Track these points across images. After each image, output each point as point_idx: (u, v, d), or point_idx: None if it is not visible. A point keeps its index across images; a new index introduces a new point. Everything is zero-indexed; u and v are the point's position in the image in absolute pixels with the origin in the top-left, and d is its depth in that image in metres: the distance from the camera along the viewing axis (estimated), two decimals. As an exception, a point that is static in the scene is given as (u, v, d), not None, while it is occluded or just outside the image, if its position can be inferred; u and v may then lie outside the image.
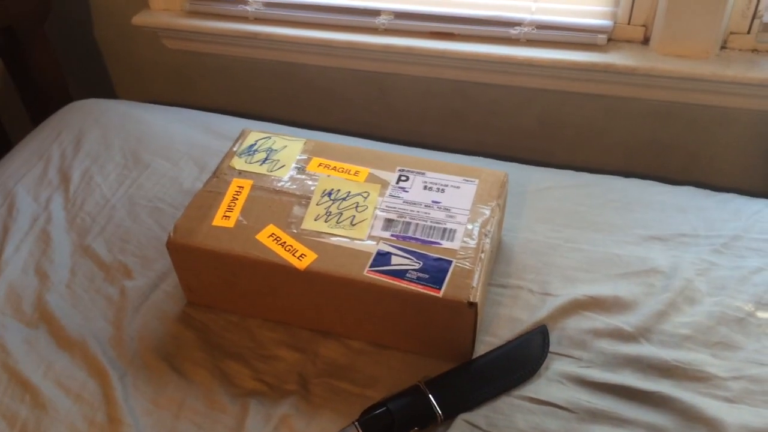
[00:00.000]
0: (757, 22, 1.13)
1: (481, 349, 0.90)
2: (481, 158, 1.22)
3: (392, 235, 0.88)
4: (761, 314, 0.91)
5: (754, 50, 1.16)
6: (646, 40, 1.21)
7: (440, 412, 0.82)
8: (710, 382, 0.85)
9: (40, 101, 1.44)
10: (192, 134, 1.27)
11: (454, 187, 0.94)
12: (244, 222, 0.91)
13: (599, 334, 0.91)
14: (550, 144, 1.37)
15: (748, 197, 1.10)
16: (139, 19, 1.41)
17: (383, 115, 1.45)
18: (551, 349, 0.90)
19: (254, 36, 1.35)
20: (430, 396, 0.83)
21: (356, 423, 0.81)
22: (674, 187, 1.14)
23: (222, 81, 1.52)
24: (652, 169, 1.31)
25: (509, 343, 0.90)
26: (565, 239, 1.04)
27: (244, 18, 1.38)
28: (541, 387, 0.86)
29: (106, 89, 1.66)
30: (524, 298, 0.96)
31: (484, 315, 0.93)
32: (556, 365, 0.88)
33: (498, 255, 1.01)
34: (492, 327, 0.93)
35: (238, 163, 1.00)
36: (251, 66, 1.47)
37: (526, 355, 0.89)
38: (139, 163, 1.20)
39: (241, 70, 1.48)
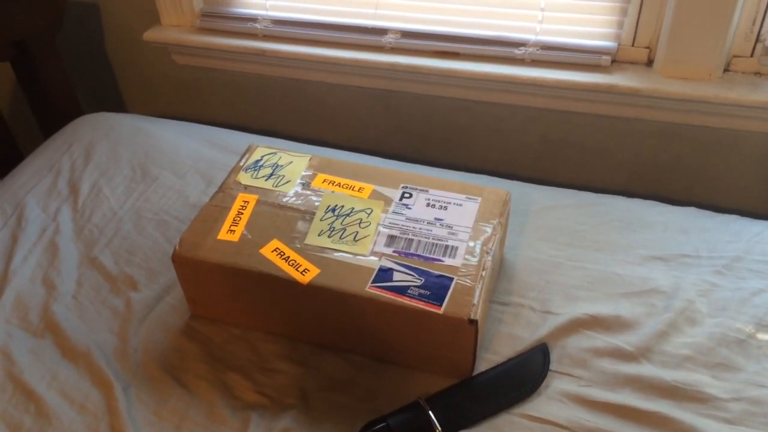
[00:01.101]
0: (760, 45, 1.14)
1: (481, 366, 0.91)
2: (484, 176, 1.23)
3: (395, 252, 0.89)
4: (762, 336, 0.91)
5: (757, 73, 1.17)
6: (650, 62, 1.22)
7: (440, 428, 0.83)
8: (710, 404, 0.85)
9: (51, 114, 1.46)
10: (199, 148, 1.29)
11: (457, 204, 0.95)
12: (249, 236, 0.92)
13: (600, 353, 0.91)
14: (554, 163, 1.38)
15: (750, 219, 1.11)
16: (150, 34, 1.44)
17: (389, 132, 1.46)
18: (552, 367, 0.90)
19: (263, 53, 1.37)
20: (430, 412, 0.84)
21: (356, 438, 0.82)
22: (676, 207, 1.14)
23: (230, 97, 1.54)
24: (655, 190, 1.32)
25: (510, 360, 0.91)
26: (567, 258, 1.04)
27: (253, 35, 1.40)
28: (541, 405, 0.86)
29: (116, 103, 1.68)
30: (525, 316, 0.97)
31: (485, 332, 0.94)
32: (556, 383, 0.88)
33: (500, 273, 1.02)
34: (493, 344, 0.93)
35: (244, 178, 1.01)
36: (259, 82, 1.49)
37: (526, 373, 0.89)
38: (146, 176, 1.22)
39: (250, 86, 1.50)
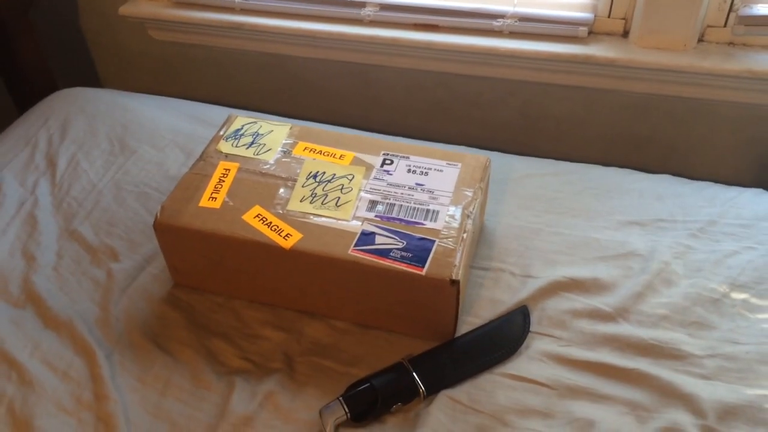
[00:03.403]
0: (733, 15, 1.16)
1: (463, 329, 0.92)
2: (464, 147, 1.24)
3: (376, 216, 0.90)
4: (735, 295, 0.94)
5: (731, 43, 1.19)
6: (625, 33, 1.23)
7: (423, 388, 0.84)
8: (686, 360, 0.87)
9: (26, 90, 1.44)
10: (178, 122, 1.28)
11: (438, 170, 0.96)
12: (231, 203, 0.92)
13: (579, 314, 0.93)
14: (532, 135, 1.39)
15: (724, 185, 1.13)
16: (126, 9, 1.42)
17: (368, 107, 1.46)
18: (532, 328, 0.92)
19: (240, 27, 1.37)
20: (414, 373, 0.85)
21: (341, 399, 0.82)
22: (652, 175, 1.16)
23: (208, 72, 1.53)
24: (630, 161, 1.34)
25: (491, 322, 0.92)
26: (545, 224, 1.06)
27: (230, 9, 1.39)
28: (522, 365, 0.88)
29: (91, 80, 1.66)
30: (506, 280, 0.98)
31: (466, 296, 0.95)
32: (536, 344, 0.90)
33: (480, 239, 1.03)
34: (474, 308, 0.94)
35: (224, 146, 1.01)
36: (237, 57, 1.48)
37: (507, 334, 0.91)
38: (125, 149, 1.21)
39: (227, 61, 1.49)
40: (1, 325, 0.93)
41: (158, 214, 0.91)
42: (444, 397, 0.84)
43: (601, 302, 0.94)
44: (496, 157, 1.19)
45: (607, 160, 1.35)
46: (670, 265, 0.98)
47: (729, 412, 0.80)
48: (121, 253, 1.03)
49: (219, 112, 1.30)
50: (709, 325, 0.91)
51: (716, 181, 1.15)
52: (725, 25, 1.18)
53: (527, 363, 0.88)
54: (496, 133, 1.41)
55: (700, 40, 1.20)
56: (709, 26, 1.19)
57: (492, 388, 0.85)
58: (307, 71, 1.45)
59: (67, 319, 0.93)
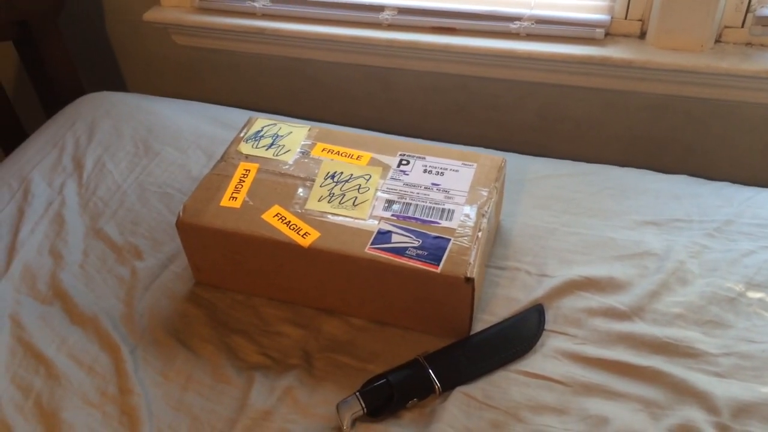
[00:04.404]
0: (750, 16, 1.16)
1: (478, 327, 0.93)
2: (480, 148, 1.25)
3: (393, 215, 0.92)
4: (751, 294, 0.94)
5: (748, 44, 1.19)
6: (642, 35, 1.24)
7: (438, 384, 0.85)
8: (701, 358, 0.87)
9: (54, 93, 1.48)
10: (200, 125, 1.31)
11: (453, 170, 0.98)
12: (251, 203, 0.94)
13: (594, 312, 0.93)
14: (549, 137, 1.40)
15: (740, 185, 1.13)
16: (150, 15, 1.46)
17: (386, 109, 1.48)
18: (547, 326, 0.93)
19: (261, 31, 1.39)
20: (429, 369, 0.86)
21: (357, 394, 0.84)
22: (668, 175, 1.17)
23: (229, 76, 1.56)
24: (648, 162, 1.33)
25: (506, 320, 0.93)
26: (561, 224, 1.06)
27: (251, 14, 1.42)
28: (536, 362, 0.89)
29: (116, 84, 1.70)
30: (521, 279, 0.99)
31: (482, 295, 0.96)
32: (551, 342, 0.91)
33: (496, 238, 1.05)
34: (489, 306, 0.96)
35: (245, 147, 1.03)
36: (258, 61, 1.51)
37: (522, 332, 0.92)
38: (149, 151, 1.24)
39: (249, 65, 1.52)
40: (30, 320, 0.96)
41: (181, 214, 0.94)
42: (459, 393, 0.85)
43: (617, 301, 0.94)
44: (513, 158, 1.20)
45: (625, 161, 1.35)
46: (686, 265, 0.98)
47: (743, 410, 0.81)
48: (144, 251, 1.06)
49: (240, 115, 1.33)
50: (725, 323, 0.91)
51: (734, 182, 1.15)
52: (743, 26, 1.18)
53: (542, 360, 0.89)
54: (513, 135, 1.42)
55: (718, 40, 1.20)
56: (726, 27, 1.19)
57: (506, 384, 0.86)
58: (326, 74, 1.47)
59: (93, 316, 0.96)
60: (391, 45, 1.33)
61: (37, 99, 1.53)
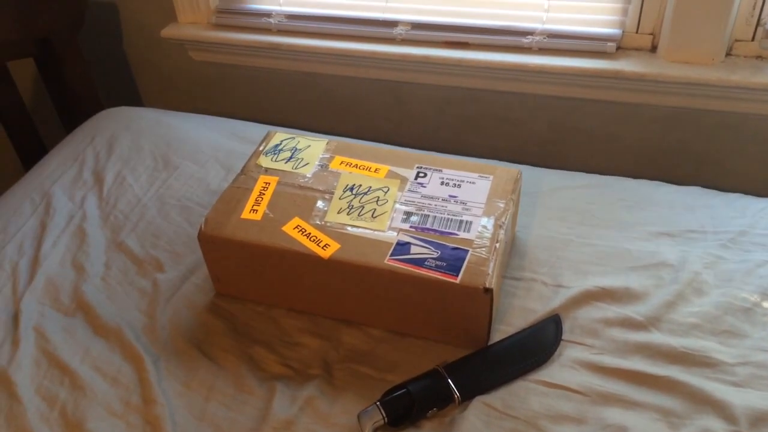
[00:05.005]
0: (760, 29, 1.18)
1: (496, 337, 0.94)
2: (495, 161, 1.27)
3: (411, 227, 0.93)
4: (767, 304, 0.95)
5: (759, 57, 1.21)
6: (653, 48, 1.26)
7: (458, 393, 0.86)
8: (717, 368, 0.88)
9: (73, 109, 1.51)
10: (218, 139, 1.33)
11: (470, 182, 0.99)
12: (271, 215, 0.96)
13: (610, 322, 0.94)
14: (562, 149, 1.41)
15: (753, 197, 1.14)
16: (168, 31, 1.48)
17: (400, 123, 1.50)
18: (564, 337, 0.93)
19: (277, 47, 1.42)
20: (449, 379, 0.87)
21: (378, 404, 0.85)
22: (682, 187, 1.18)
23: (245, 91, 1.59)
24: (660, 173, 1.34)
25: (524, 330, 0.94)
26: (576, 235, 1.08)
27: (267, 30, 1.44)
28: (554, 372, 0.89)
29: (133, 99, 1.73)
30: (537, 290, 1.00)
31: (499, 305, 0.97)
32: (568, 352, 0.92)
33: (512, 250, 1.06)
34: (507, 317, 0.97)
35: (264, 161, 1.05)
36: (274, 76, 1.53)
37: (540, 342, 0.92)
38: (168, 165, 1.26)
39: (264, 80, 1.55)
40: (54, 332, 0.98)
41: (202, 226, 0.96)
42: (478, 402, 0.86)
43: (633, 311, 0.95)
44: (526, 170, 1.21)
45: (637, 173, 1.36)
46: (701, 275, 0.99)
47: (760, 419, 0.81)
48: (165, 263, 1.08)
49: (256, 129, 1.35)
50: (741, 333, 0.92)
51: (746, 193, 1.16)
52: (753, 39, 1.20)
53: (560, 370, 0.90)
54: (526, 148, 1.44)
55: (728, 54, 1.22)
56: (736, 40, 1.20)
57: (525, 394, 0.87)
58: (340, 89, 1.49)
59: (116, 327, 0.98)
60: (404, 59, 1.35)
61: (57, 114, 1.56)
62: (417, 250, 0.90)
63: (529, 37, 1.28)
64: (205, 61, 1.56)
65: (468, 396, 0.87)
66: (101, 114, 1.41)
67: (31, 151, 1.50)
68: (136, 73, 1.67)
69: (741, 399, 0.84)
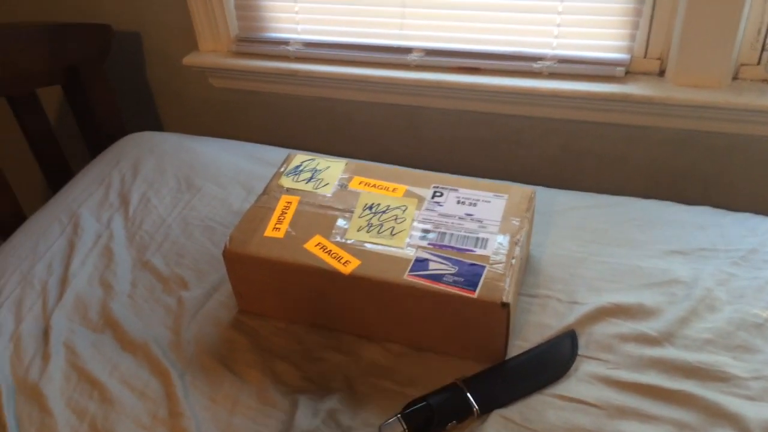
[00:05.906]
0: (766, 54, 1.21)
1: (513, 352, 0.96)
2: (508, 182, 1.30)
3: (429, 244, 0.96)
4: (779, 320, 0.97)
5: (764, 80, 1.24)
6: (661, 72, 1.29)
7: (477, 407, 0.88)
8: (731, 382, 0.90)
9: (98, 134, 1.56)
10: (239, 162, 1.37)
11: (485, 201, 1.02)
12: (293, 233, 0.99)
13: (625, 338, 0.96)
14: (573, 172, 1.44)
15: (763, 216, 1.16)
16: (189, 59, 1.53)
17: (414, 147, 1.54)
18: (580, 352, 0.95)
19: (295, 73, 1.46)
20: (467, 393, 0.89)
21: (399, 416, 0.87)
22: (692, 207, 1.20)
23: (264, 117, 1.63)
24: (670, 194, 1.37)
25: (540, 345, 0.96)
26: (590, 253, 1.10)
27: (285, 57, 1.49)
28: (571, 386, 0.91)
29: (155, 125, 1.78)
30: (552, 306, 1.02)
31: (515, 321, 0.99)
32: (584, 367, 0.94)
33: (527, 268, 1.08)
34: (523, 332, 0.99)
35: (285, 181, 1.09)
36: (292, 102, 1.57)
37: (556, 357, 0.95)
38: (191, 187, 1.30)
39: (283, 106, 1.59)
40: (83, 348, 1.01)
41: (227, 244, 0.99)
42: (497, 415, 0.88)
43: (647, 327, 0.97)
44: (539, 191, 1.24)
45: (647, 194, 1.39)
46: (714, 292, 1.01)
47: (775, 431, 0.83)
48: (190, 281, 1.11)
49: (275, 152, 1.39)
50: (754, 348, 0.94)
51: (755, 213, 1.18)
52: (758, 63, 1.23)
53: (576, 384, 0.91)
54: (538, 170, 1.47)
55: (735, 77, 1.25)
56: (742, 64, 1.24)
57: (543, 407, 0.89)
58: (357, 113, 1.53)
59: (143, 343, 1.01)
60: (418, 85, 1.39)
61: (82, 139, 1.60)
62: (435, 266, 0.93)
63: (539, 62, 1.32)
64: (225, 88, 1.61)
65: (486, 409, 0.89)
66: (126, 138, 1.46)
67: (58, 174, 1.54)
68: (157, 99, 1.72)
69: (755, 412, 0.85)
